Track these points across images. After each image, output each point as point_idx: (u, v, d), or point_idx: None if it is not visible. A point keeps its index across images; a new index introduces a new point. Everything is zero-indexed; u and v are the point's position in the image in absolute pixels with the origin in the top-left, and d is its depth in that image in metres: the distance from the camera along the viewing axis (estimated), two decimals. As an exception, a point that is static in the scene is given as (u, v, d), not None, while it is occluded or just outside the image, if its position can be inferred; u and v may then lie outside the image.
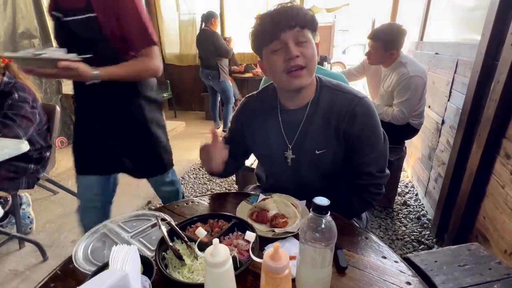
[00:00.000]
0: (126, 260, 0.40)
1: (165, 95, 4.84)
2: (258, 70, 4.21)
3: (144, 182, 2.58)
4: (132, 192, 2.45)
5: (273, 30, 0.75)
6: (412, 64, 1.82)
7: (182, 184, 2.64)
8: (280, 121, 0.90)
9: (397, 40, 1.80)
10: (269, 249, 0.45)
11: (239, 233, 0.73)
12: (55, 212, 2.16)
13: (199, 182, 2.69)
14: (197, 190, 2.54)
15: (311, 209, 0.52)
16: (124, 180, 2.65)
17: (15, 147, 1.34)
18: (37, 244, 1.66)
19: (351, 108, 0.81)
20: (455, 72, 1.82)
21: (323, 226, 0.51)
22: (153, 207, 2.24)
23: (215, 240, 0.44)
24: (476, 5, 1.78)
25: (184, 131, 4.21)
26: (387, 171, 0.91)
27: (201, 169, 2.94)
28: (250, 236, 0.49)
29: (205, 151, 0.86)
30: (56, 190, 2.34)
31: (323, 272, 0.54)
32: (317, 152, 0.86)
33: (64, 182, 2.63)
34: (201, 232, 0.51)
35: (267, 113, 0.92)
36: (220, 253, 0.44)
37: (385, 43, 1.80)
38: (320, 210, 0.50)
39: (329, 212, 0.52)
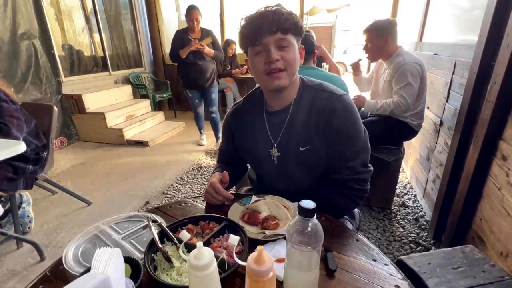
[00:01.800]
0: (108, 263, 0.40)
1: (164, 95, 4.85)
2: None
3: (143, 183, 2.60)
4: (130, 193, 2.46)
5: (255, 34, 0.78)
6: (409, 55, 1.86)
7: (180, 184, 2.65)
8: (265, 122, 0.93)
9: (387, 27, 1.87)
10: (253, 252, 0.45)
11: (230, 235, 0.72)
12: (53, 212, 2.17)
13: (198, 182, 2.69)
14: (195, 191, 2.55)
15: (297, 212, 0.52)
16: (122, 180, 2.67)
17: (12, 148, 1.34)
18: (34, 244, 1.67)
19: (329, 104, 0.84)
20: (453, 73, 1.82)
21: (309, 229, 0.51)
22: (150, 207, 2.25)
23: (199, 243, 0.44)
24: (474, 5, 1.78)
25: (183, 131, 4.22)
26: (371, 167, 0.92)
27: (199, 169, 2.94)
28: (233, 239, 0.49)
29: (212, 192, 0.90)
30: (55, 190, 2.35)
31: (310, 275, 0.54)
32: (301, 149, 0.88)
33: (63, 182, 2.64)
34: (185, 235, 0.51)
35: (254, 116, 0.95)
36: (204, 256, 0.44)
37: (377, 30, 1.87)
38: (306, 213, 0.50)
39: (316, 214, 0.52)
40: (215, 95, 3.34)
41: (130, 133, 3.74)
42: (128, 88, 4.39)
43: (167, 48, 5.16)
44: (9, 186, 1.63)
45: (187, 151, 3.43)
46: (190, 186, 2.62)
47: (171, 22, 5.02)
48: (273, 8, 0.78)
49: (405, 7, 3.63)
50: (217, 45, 3.09)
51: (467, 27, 1.85)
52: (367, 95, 2.37)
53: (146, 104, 4.37)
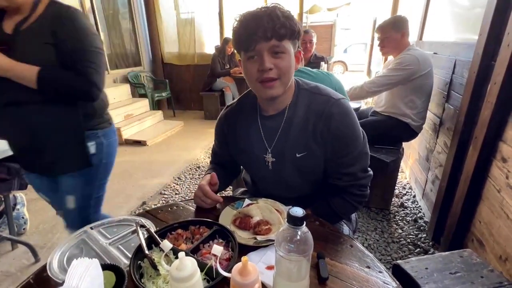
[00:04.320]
0: (83, 276, 0.38)
1: (163, 94, 4.83)
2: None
3: (140, 183, 2.58)
4: (127, 193, 2.45)
5: (249, 40, 0.73)
6: (415, 50, 1.87)
7: (178, 184, 2.63)
8: (260, 126, 0.90)
9: (402, 21, 1.89)
10: (237, 264, 0.43)
11: (220, 240, 0.71)
12: (49, 213, 2.15)
13: (196, 182, 2.67)
14: (193, 191, 2.53)
15: (285, 220, 0.50)
16: (119, 180, 2.65)
17: (3, 148, 1.32)
18: (28, 246, 1.65)
19: (327, 108, 0.81)
20: (453, 73, 1.79)
21: (298, 237, 0.49)
22: (148, 208, 2.23)
23: (181, 254, 0.42)
24: (474, 4, 1.75)
25: (182, 131, 4.20)
26: (370, 172, 0.90)
27: (197, 169, 2.93)
28: (216, 250, 0.47)
29: (200, 195, 0.88)
30: (51, 191, 2.33)
31: (300, 285, 0.52)
32: (297, 155, 0.85)
33: (60, 182, 2.63)
34: (166, 245, 0.49)
35: (248, 119, 0.92)
36: (187, 266, 0.42)
37: (393, 24, 1.89)
38: (295, 221, 0.48)
39: (305, 222, 0.50)
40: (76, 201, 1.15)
41: (128, 133, 3.72)
42: (126, 87, 4.37)
43: (166, 47, 5.14)
44: (2, 186, 1.61)
45: (185, 151, 3.41)
46: (188, 186, 2.60)
47: (169, 21, 4.99)
48: (269, 11, 0.72)
49: (405, 5, 3.60)
50: (74, 39, 0.95)
51: (467, 26, 1.83)
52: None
53: (144, 103, 4.35)
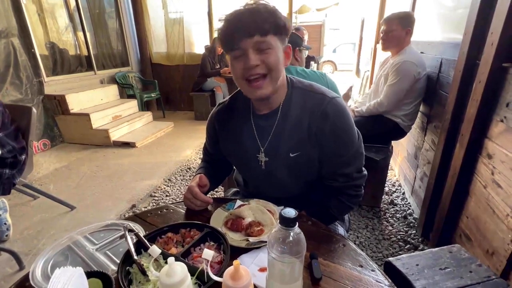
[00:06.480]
0: (67, 285, 0.36)
1: (152, 95, 4.76)
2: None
3: (129, 185, 2.53)
4: (116, 196, 2.39)
5: (232, 38, 0.72)
6: (411, 53, 1.86)
7: (168, 186, 2.59)
8: (253, 125, 0.88)
9: (410, 18, 1.87)
10: (229, 267, 0.42)
11: (212, 243, 0.69)
12: (34, 218, 2.08)
13: (186, 184, 2.64)
14: (184, 193, 2.49)
15: (278, 222, 0.49)
16: (107, 183, 2.59)
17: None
18: (12, 253, 1.59)
19: (322, 107, 0.79)
20: (439, 72, 1.83)
21: (290, 239, 0.48)
22: (138, 211, 2.19)
23: (170, 259, 0.41)
24: (459, 4, 1.79)
25: (172, 132, 4.15)
26: (365, 172, 0.89)
27: (188, 170, 2.89)
28: (207, 254, 0.46)
29: (190, 197, 0.89)
30: (37, 195, 2.26)
31: (293, 287, 0.51)
32: (291, 155, 0.84)
33: (45, 186, 2.55)
34: (155, 250, 0.47)
35: (240, 118, 0.90)
36: (176, 272, 0.40)
37: (401, 19, 1.86)
38: (287, 223, 0.47)
39: (298, 223, 0.49)
40: None
41: (116, 134, 3.64)
42: (114, 88, 4.28)
43: (154, 47, 5.06)
44: (-17, 192, 1.55)
45: (175, 152, 3.36)
46: (179, 188, 2.57)
47: (157, 20, 4.92)
48: (252, 6, 0.71)
49: (392, 5, 3.65)
50: None
51: (453, 26, 1.86)
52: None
53: (133, 104, 4.27)
